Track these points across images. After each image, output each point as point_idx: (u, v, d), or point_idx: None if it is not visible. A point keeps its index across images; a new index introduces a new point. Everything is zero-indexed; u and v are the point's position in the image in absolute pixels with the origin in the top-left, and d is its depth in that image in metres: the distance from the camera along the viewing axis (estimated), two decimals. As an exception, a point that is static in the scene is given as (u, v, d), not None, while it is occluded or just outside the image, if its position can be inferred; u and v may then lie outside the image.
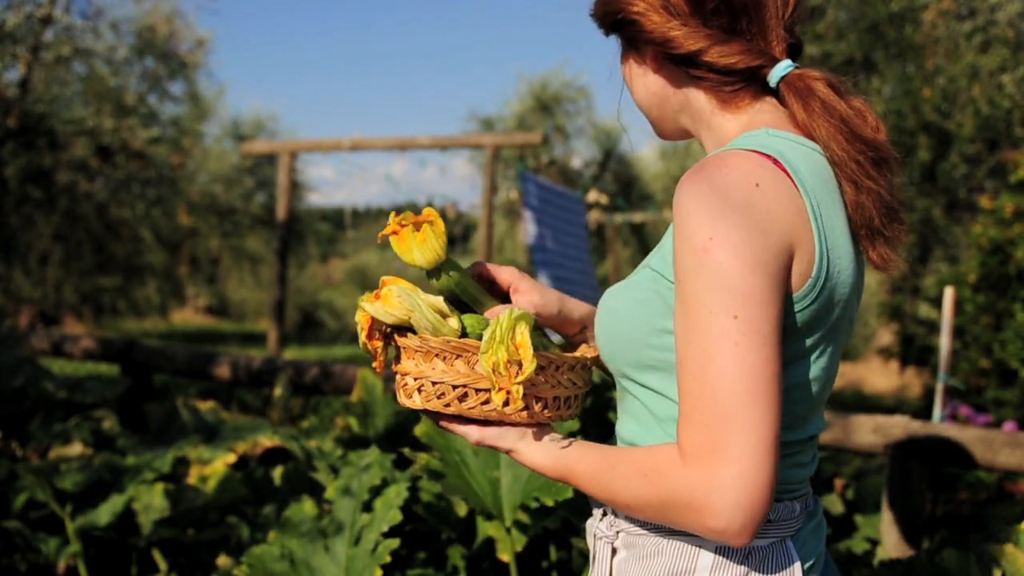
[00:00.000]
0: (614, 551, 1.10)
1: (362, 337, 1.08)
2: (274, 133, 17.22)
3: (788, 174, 0.97)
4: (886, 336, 9.19)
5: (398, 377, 1.09)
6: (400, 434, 3.12)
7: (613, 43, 1.21)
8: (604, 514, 1.13)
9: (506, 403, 1.02)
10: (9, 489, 3.03)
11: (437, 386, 1.04)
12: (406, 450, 2.12)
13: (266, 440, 3.40)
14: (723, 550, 1.02)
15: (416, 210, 1.12)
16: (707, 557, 1.02)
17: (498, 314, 1.04)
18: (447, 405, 1.05)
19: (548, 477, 1.06)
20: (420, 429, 2.17)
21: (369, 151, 7.96)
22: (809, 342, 1.00)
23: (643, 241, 16.37)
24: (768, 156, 0.98)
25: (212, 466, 3.10)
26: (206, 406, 3.79)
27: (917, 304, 8.98)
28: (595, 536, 1.14)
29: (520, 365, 1.00)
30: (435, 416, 1.09)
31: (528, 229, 6.84)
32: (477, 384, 1.04)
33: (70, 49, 9.14)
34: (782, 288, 0.93)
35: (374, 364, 1.09)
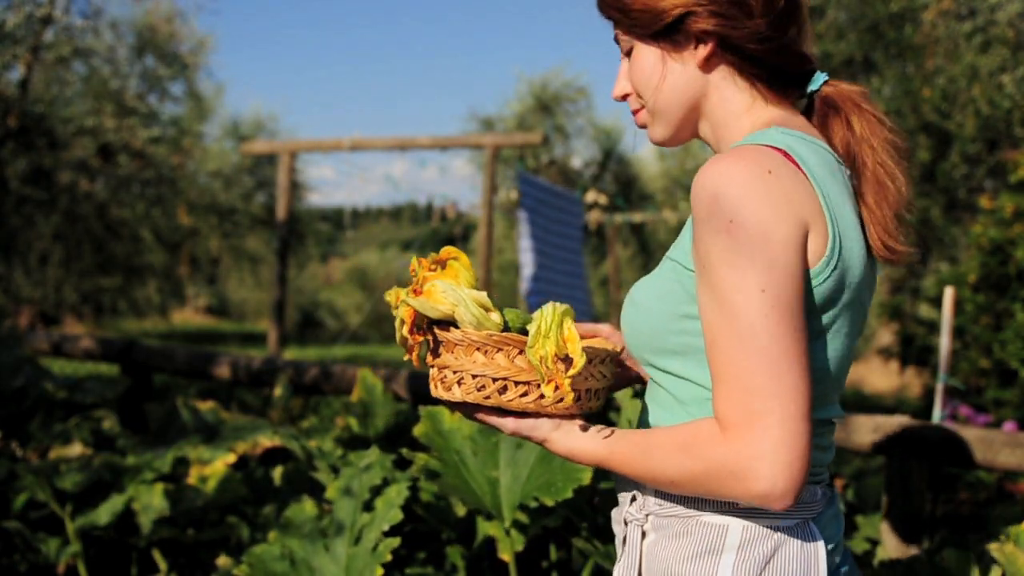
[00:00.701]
0: (644, 534, 1.13)
1: (403, 331, 1.10)
2: (274, 133, 17.20)
3: (797, 164, 1.02)
4: (886, 336, 9.18)
5: (435, 371, 1.12)
6: (400, 434, 3.12)
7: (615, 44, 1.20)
8: (633, 499, 1.15)
9: (558, 398, 1.05)
10: (9, 489, 3.03)
11: (478, 379, 1.08)
12: (404, 450, 2.11)
13: (266, 440, 3.40)
14: (751, 528, 1.05)
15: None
16: (735, 535, 1.05)
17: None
18: (487, 397, 1.08)
19: (584, 464, 1.10)
20: (419, 429, 2.16)
21: (369, 151, 7.96)
22: (825, 321, 1.04)
23: (643, 241, 16.37)
24: (778, 149, 1.03)
25: (212, 466, 3.09)
26: (206, 406, 3.78)
27: (917, 304, 8.97)
28: (625, 521, 1.16)
29: (566, 358, 1.03)
30: (471, 408, 1.11)
31: (521, 230, 6.83)
32: (517, 377, 1.07)
33: (70, 49, 9.14)
34: (802, 264, 0.99)
35: (407, 356, 1.11)
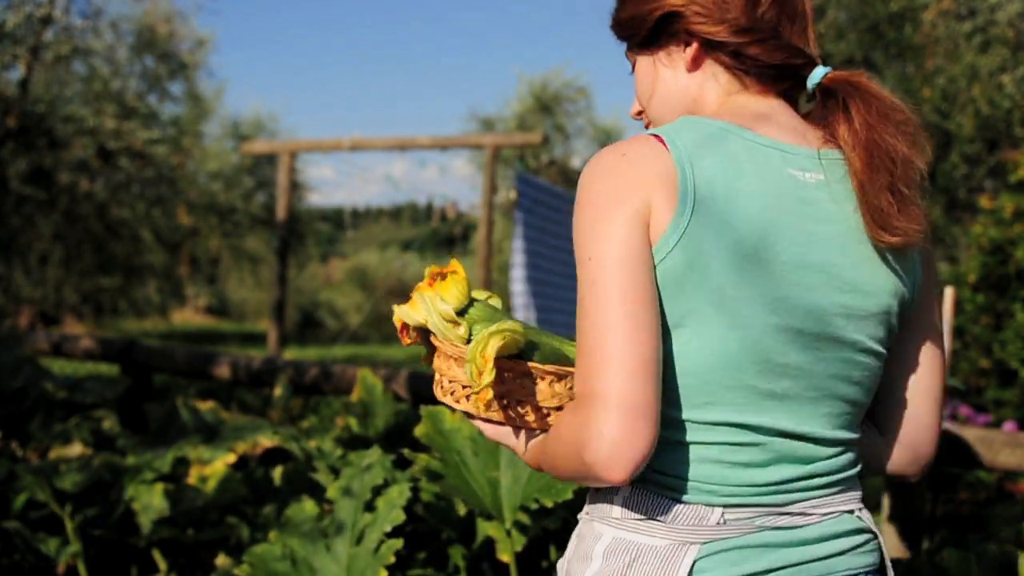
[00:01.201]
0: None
1: (400, 336, 1.20)
2: (274, 133, 17.20)
3: (665, 145, 1.02)
4: (886, 336, 9.17)
5: (435, 373, 1.21)
6: (400, 434, 3.12)
7: (616, 44, 1.20)
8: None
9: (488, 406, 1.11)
10: (9, 489, 3.03)
11: (452, 384, 1.15)
12: (406, 451, 2.11)
13: (266, 440, 3.40)
14: (617, 540, 1.04)
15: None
16: (603, 544, 1.05)
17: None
18: (457, 401, 1.15)
19: (532, 468, 1.14)
20: (420, 430, 2.17)
21: (369, 151, 7.97)
22: (685, 306, 0.99)
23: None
24: (655, 136, 1.04)
25: (212, 466, 3.09)
26: (206, 406, 3.78)
27: (917, 304, 8.95)
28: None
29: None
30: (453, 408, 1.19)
31: (516, 230, 6.83)
32: None
33: (70, 49, 9.14)
34: (639, 236, 0.98)
35: (423, 360, 1.22)
